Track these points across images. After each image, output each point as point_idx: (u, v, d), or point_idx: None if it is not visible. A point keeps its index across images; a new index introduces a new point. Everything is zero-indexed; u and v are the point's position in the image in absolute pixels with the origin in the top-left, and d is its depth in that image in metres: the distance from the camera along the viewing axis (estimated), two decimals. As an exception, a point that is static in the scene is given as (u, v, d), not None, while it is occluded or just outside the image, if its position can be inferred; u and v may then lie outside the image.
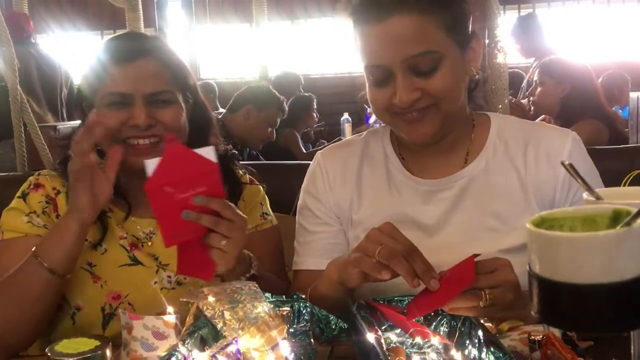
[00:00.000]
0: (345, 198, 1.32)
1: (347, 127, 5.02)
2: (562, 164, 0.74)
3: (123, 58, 1.26)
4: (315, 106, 5.01)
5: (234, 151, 1.48)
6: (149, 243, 1.34)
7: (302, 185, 1.40)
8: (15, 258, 1.22)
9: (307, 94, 5.12)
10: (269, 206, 1.46)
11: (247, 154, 3.47)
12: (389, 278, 1.01)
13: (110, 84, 1.26)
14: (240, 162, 1.50)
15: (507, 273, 0.99)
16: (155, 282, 1.30)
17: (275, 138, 3.71)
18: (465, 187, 1.25)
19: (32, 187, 1.34)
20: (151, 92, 1.26)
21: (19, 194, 1.34)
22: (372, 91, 1.19)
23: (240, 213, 1.09)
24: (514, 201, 1.23)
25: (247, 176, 1.46)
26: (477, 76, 1.22)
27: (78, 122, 1.43)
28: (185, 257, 1.08)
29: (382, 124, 1.37)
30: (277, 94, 3.62)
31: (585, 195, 0.71)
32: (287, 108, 3.73)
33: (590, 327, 0.62)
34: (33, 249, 1.18)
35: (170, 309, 1.01)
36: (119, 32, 1.49)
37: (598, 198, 0.70)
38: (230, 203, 1.09)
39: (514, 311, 1.02)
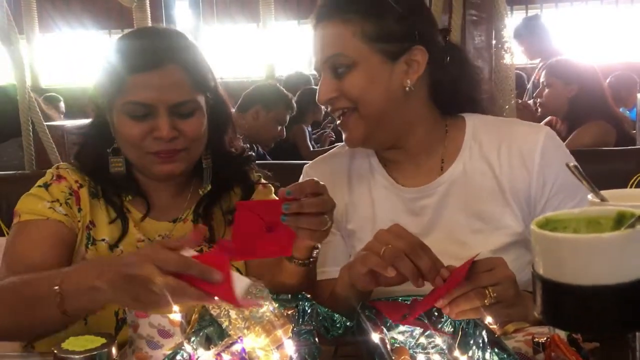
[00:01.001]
0: (338, 208, 1.33)
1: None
2: (567, 165, 0.74)
3: (146, 65, 1.21)
4: None
5: (251, 153, 1.46)
6: None
7: None
8: (33, 240, 1.20)
9: (314, 87, 5.13)
10: None
11: (255, 153, 3.48)
12: (394, 276, 1.02)
13: (131, 91, 1.21)
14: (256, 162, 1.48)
15: (505, 270, 1.01)
16: None
17: (285, 134, 3.70)
18: (446, 192, 1.27)
19: (54, 178, 1.31)
20: (175, 102, 1.22)
21: (40, 183, 1.31)
22: None
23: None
24: (493, 201, 1.25)
25: (262, 179, 1.45)
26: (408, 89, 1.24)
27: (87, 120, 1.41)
28: (257, 243, 1.08)
29: None
30: (285, 91, 3.62)
31: (589, 197, 0.71)
32: (295, 105, 3.73)
33: (594, 329, 0.62)
34: (58, 286, 1.01)
35: (175, 307, 1.02)
36: (127, 30, 1.45)
37: (602, 200, 0.70)
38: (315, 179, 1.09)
39: (517, 308, 1.03)
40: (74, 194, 1.30)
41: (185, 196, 1.37)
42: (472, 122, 1.32)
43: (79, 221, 1.28)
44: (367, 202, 1.32)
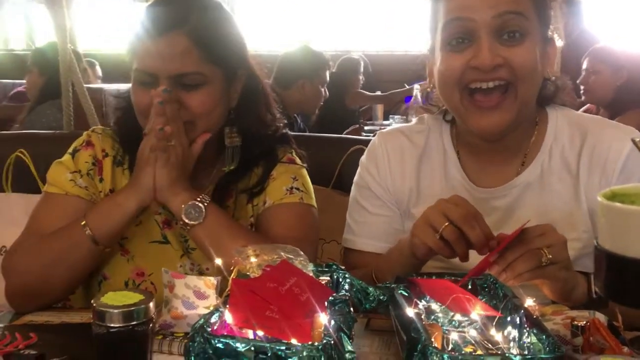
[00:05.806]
0: (404, 190, 1.30)
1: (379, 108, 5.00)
2: (633, 140, 0.72)
3: (152, 31, 1.19)
4: (362, 70, 5.00)
5: (285, 131, 1.41)
6: None
7: (362, 161, 1.36)
8: (52, 213, 1.26)
9: (353, 57, 5.10)
10: (306, 185, 1.36)
11: (297, 127, 3.48)
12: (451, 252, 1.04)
13: (139, 59, 1.22)
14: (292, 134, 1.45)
15: (556, 233, 1.01)
16: (180, 266, 1.29)
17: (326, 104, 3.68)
18: (519, 195, 1.21)
19: (84, 144, 1.33)
20: (177, 73, 1.18)
21: (70, 149, 1.34)
22: (447, 57, 1.15)
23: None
24: (568, 211, 1.18)
25: (289, 156, 1.38)
26: (552, 79, 1.20)
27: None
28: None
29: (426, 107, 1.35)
30: (316, 51, 3.58)
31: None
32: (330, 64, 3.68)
33: (659, 307, 0.60)
34: (83, 220, 1.19)
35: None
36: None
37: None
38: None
39: (571, 273, 1.03)
40: (97, 164, 1.32)
41: (209, 172, 1.34)
42: (555, 117, 1.23)
43: (100, 192, 1.31)
44: (436, 192, 1.25)
